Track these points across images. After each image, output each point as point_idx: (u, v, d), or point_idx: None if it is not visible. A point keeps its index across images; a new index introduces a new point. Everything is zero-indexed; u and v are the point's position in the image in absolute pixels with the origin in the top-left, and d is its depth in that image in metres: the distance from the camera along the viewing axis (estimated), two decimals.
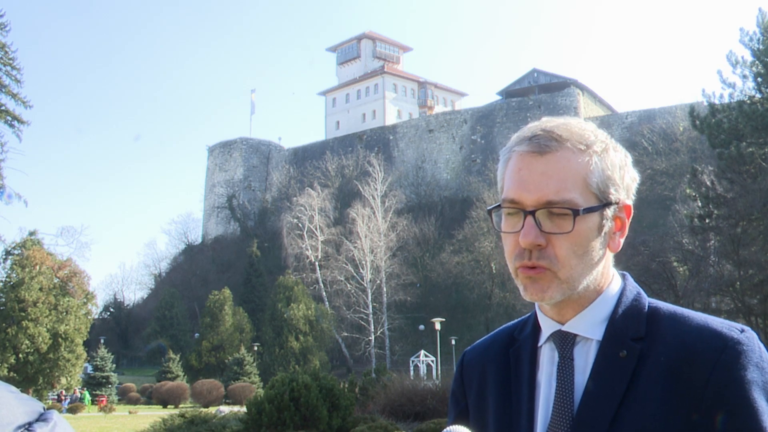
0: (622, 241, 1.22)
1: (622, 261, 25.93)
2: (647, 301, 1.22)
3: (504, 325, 1.36)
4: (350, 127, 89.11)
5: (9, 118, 32.61)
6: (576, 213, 1.13)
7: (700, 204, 26.55)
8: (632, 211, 1.23)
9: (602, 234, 1.18)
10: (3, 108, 32.46)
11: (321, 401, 13.98)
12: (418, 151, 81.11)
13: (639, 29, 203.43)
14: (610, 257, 1.23)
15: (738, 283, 24.78)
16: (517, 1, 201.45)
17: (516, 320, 1.35)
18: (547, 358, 1.23)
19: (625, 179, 1.21)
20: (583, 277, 1.17)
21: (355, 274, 61.58)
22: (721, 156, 25.82)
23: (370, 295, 61.73)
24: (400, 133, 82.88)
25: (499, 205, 1.20)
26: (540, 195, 1.14)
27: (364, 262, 61.60)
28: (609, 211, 1.18)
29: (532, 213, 1.14)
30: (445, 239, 67.36)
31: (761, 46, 25.01)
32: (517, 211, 1.16)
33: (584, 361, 1.18)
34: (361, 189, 65.38)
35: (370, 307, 61.38)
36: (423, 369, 44.78)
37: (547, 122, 1.21)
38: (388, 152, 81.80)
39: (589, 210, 1.15)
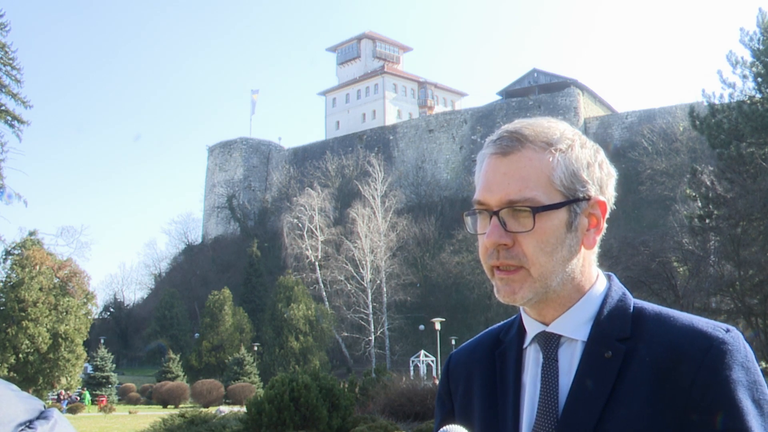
0: (597, 238, 1.21)
1: (622, 261, 25.95)
2: (632, 301, 1.21)
3: (489, 328, 1.36)
4: (350, 127, 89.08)
5: (9, 118, 32.57)
6: (535, 211, 1.14)
7: (700, 204, 26.51)
8: (608, 207, 1.22)
9: (572, 231, 1.17)
10: (3, 108, 32.43)
11: (321, 401, 13.98)
12: (418, 151, 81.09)
13: (639, 29, 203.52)
14: (590, 257, 1.22)
15: (738, 283, 24.74)
16: (517, 1, 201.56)
17: (501, 322, 1.34)
18: (532, 360, 1.22)
19: (595, 175, 1.20)
20: (554, 274, 1.16)
21: (355, 274, 61.59)
22: (721, 156, 25.79)
23: (370, 295, 61.74)
24: (400, 133, 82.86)
25: (473, 209, 1.21)
26: (502, 195, 1.16)
27: (364, 262, 61.61)
28: (578, 208, 1.18)
29: (497, 213, 1.16)
30: (445, 239, 67.37)
31: (761, 46, 24.97)
32: (486, 212, 1.18)
33: (569, 362, 1.18)
34: (361, 189, 65.40)
35: (370, 307, 61.38)
36: (423, 369, 44.81)
37: (516, 123, 1.22)
38: (388, 152, 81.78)
39: (550, 207, 1.15)
